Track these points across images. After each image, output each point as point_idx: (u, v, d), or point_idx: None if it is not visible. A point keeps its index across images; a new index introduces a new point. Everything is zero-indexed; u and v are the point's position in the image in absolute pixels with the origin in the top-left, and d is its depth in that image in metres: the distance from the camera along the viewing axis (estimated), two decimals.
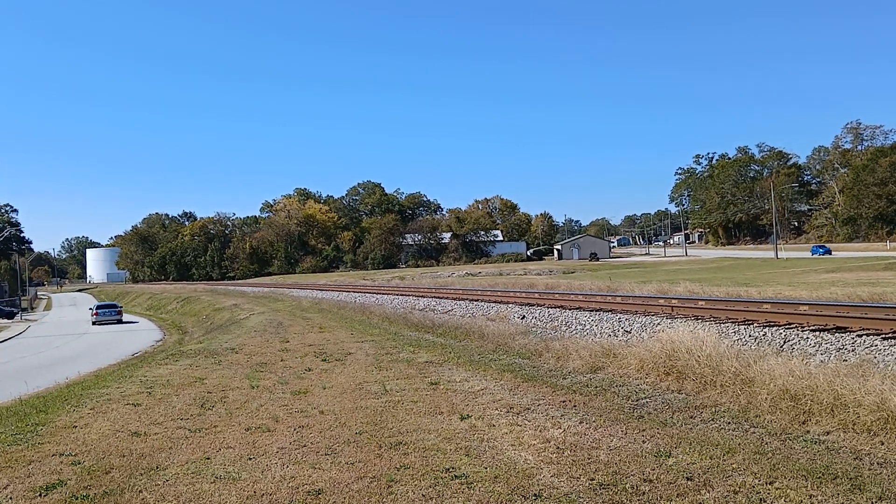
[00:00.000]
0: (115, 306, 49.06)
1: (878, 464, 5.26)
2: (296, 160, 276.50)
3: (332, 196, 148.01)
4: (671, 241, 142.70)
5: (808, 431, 6.25)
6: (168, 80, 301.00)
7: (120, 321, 46.10)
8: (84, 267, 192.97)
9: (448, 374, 10.36)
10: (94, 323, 45.32)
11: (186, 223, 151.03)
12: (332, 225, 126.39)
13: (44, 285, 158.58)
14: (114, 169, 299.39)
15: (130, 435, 7.20)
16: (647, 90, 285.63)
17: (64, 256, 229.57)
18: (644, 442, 6.10)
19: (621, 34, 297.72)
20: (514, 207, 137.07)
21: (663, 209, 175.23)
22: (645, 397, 8.03)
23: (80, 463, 6.15)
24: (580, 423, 6.87)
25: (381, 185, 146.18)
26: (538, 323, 17.25)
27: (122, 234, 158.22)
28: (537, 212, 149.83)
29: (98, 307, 48.29)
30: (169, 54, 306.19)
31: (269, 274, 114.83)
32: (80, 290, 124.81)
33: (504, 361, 11.49)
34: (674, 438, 6.15)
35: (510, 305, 21.14)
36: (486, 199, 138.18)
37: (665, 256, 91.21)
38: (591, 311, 17.18)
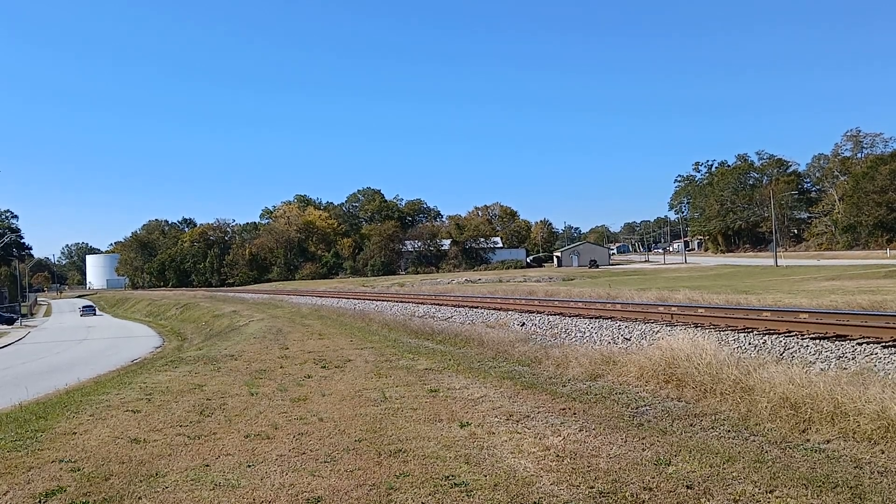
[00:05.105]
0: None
1: (878, 472, 5.26)
2: (296, 167, 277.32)
3: (331, 203, 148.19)
4: (670, 249, 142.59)
5: (809, 440, 6.25)
6: (168, 87, 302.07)
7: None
8: (84, 273, 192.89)
9: (448, 381, 10.35)
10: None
11: (186, 229, 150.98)
12: (331, 231, 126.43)
13: (43, 291, 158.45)
14: (114, 175, 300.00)
15: (130, 441, 7.19)
16: (646, 97, 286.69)
17: (64, 262, 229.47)
18: (644, 450, 6.09)
19: (621, 42, 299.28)
20: (513, 214, 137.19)
21: (663, 216, 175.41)
22: (645, 405, 8.02)
23: (79, 469, 6.15)
24: (580, 430, 6.86)
25: (381, 191, 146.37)
26: (538, 330, 17.24)
27: (122, 241, 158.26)
28: (537, 219, 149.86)
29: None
30: (169, 60, 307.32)
31: (269, 280, 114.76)
32: (79, 296, 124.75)
33: (504, 369, 11.48)
34: (674, 446, 6.15)
35: (510, 312, 21.13)
36: (485, 205, 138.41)
37: (664, 264, 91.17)
38: (591, 318, 17.18)
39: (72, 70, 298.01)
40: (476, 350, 14.42)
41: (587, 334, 15.34)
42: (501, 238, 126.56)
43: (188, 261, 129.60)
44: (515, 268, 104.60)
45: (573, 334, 15.72)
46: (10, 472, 6.14)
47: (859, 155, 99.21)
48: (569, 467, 5.64)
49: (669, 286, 34.99)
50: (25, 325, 60.87)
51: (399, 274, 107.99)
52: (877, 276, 37.06)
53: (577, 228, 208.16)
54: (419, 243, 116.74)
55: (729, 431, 6.67)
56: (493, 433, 6.93)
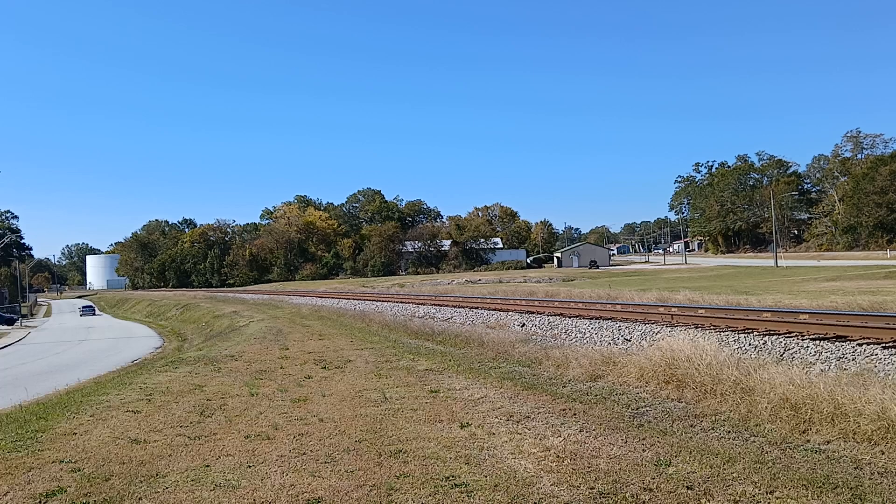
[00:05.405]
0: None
1: (878, 473, 5.26)
2: (296, 167, 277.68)
3: (332, 203, 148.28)
4: (671, 250, 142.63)
5: (809, 440, 6.25)
6: (168, 89, 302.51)
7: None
8: (84, 273, 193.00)
9: (448, 381, 10.35)
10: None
11: (186, 230, 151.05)
12: (331, 232, 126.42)
13: (44, 292, 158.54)
14: (114, 176, 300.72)
15: (130, 442, 7.19)
16: (646, 99, 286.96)
17: (64, 263, 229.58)
18: (644, 450, 6.10)
19: (621, 44, 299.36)
20: (513, 215, 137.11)
21: (663, 217, 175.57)
22: (645, 406, 8.02)
23: (79, 470, 6.15)
24: (580, 431, 6.86)
25: (381, 192, 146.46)
26: (538, 331, 17.23)
27: (122, 241, 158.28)
28: (537, 219, 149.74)
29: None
30: (169, 63, 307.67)
31: (269, 281, 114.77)
32: (79, 297, 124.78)
33: (504, 369, 11.48)
34: (674, 447, 6.15)
35: (510, 313, 21.13)
36: (485, 206, 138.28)
37: (665, 264, 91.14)
38: (591, 319, 17.18)
39: (73, 72, 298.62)
40: (476, 351, 14.42)
41: (587, 335, 15.33)
42: (502, 239, 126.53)
43: (188, 261, 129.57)
44: (515, 268, 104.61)
45: (573, 335, 15.71)
46: (10, 473, 6.14)
47: (859, 156, 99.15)
48: (569, 468, 5.65)
49: (670, 287, 34.99)
50: (25, 326, 60.84)
51: (399, 274, 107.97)
52: (877, 276, 37.05)
53: (577, 229, 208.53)
54: (419, 244, 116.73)
55: (729, 432, 6.67)
56: (494, 434, 6.93)
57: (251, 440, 7.12)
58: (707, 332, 12.76)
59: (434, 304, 28.32)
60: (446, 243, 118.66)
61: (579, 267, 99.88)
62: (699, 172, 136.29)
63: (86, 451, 6.85)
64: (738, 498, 4.81)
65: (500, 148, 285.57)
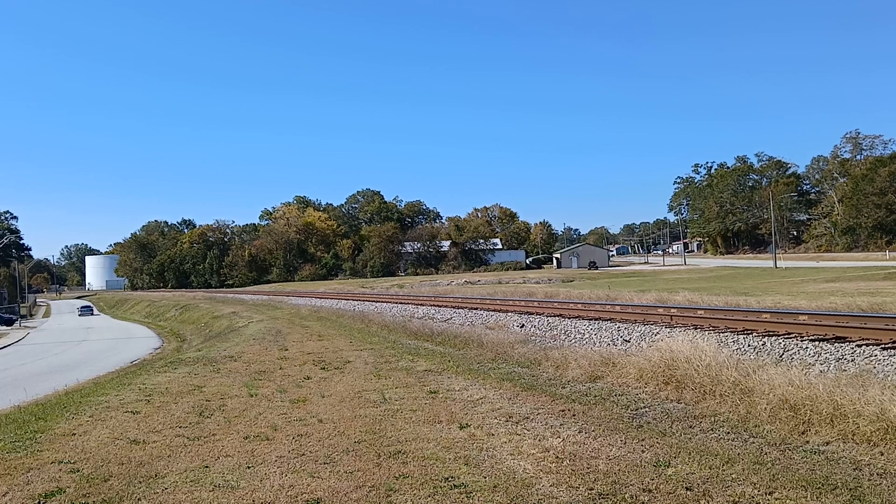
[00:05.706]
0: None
1: (877, 474, 5.27)
2: (295, 168, 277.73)
3: (331, 204, 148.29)
4: (670, 250, 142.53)
5: (808, 441, 6.26)
6: (168, 89, 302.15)
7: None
8: (83, 274, 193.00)
9: (447, 382, 10.35)
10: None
11: (185, 231, 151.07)
12: (331, 233, 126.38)
13: (43, 292, 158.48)
14: (114, 176, 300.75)
15: (129, 443, 7.19)
16: (647, 99, 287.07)
17: (63, 263, 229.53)
18: (643, 451, 6.10)
19: (621, 44, 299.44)
20: (513, 216, 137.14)
21: (662, 218, 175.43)
22: (644, 407, 8.03)
23: (78, 471, 6.14)
24: (579, 432, 6.86)
25: (381, 192, 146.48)
26: (537, 332, 17.23)
27: (122, 242, 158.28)
28: (536, 220, 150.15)
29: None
30: (169, 63, 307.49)
31: (268, 282, 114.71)
32: (78, 297, 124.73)
33: (503, 370, 11.48)
34: (673, 448, 6.15)
35: (509, 314, 21.12)
36: (485, 207, 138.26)
37: (664, 265, 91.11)
38: (591, 319, 17.17)
39: (73, 72, 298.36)
40: (475, 351, 14.42)
41: (586, 336, 15.33)
42: (501, 239, 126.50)
43: (187, 262, 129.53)
44: (515, 269, 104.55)
45: (572, 336, 15.71)
46: (9, 474, 6.13)
47: (858, 157, 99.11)
48: (568, 469, 5.65)
49: (669, 288, 35.02)
50: (24, 326, 60.81)
51: (398, 275, 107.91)
52: (876, 277, 37.07)
53: (576, 230, 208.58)
54: (418, 245, 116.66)
55: (728, 433, 6.67)
56: (493, 435, 6.93)
57: (250, 441, 7.12)
58: (706, 333, 12.76)
59: (433, 305, 28.30)
60: (445, 244, 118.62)
61: (578, 268, 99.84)
62: (698, 173, 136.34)
63: (85, 452, 6.85)
64: (737, 499, 4.81)
65: (500, 148, 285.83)
